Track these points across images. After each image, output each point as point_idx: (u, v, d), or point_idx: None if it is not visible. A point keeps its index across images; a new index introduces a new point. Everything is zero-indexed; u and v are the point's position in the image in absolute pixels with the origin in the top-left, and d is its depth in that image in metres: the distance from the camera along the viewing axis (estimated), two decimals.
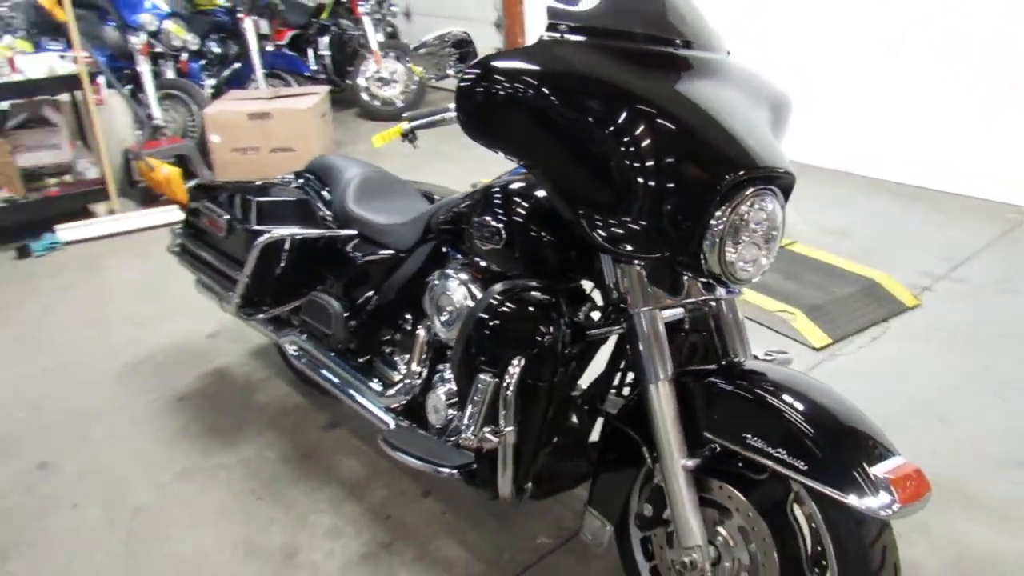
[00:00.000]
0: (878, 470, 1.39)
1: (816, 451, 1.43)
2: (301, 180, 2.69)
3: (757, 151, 1.53)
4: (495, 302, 1.69)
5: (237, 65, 6.13)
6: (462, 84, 1.55)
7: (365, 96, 6.66)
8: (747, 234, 1.55)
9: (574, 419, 1.91)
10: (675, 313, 1.86)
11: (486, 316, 1.68)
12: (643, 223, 1.51)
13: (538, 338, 1.63)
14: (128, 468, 2.55)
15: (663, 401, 1.60)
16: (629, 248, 1.54)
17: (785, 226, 1.67)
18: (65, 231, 4.35)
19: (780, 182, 1.59)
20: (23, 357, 3.26)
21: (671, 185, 1.49)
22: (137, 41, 5.28)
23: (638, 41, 1.64)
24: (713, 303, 1.78)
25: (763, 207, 1.55)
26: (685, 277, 1.68)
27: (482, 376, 1.64)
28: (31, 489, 2.46)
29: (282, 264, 2.38)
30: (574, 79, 1.53)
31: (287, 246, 2.36)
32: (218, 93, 5.89)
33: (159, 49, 5.47)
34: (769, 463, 1.47)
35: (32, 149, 4.53)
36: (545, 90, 1.51)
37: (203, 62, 6.13)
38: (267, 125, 5.19)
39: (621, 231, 1.52)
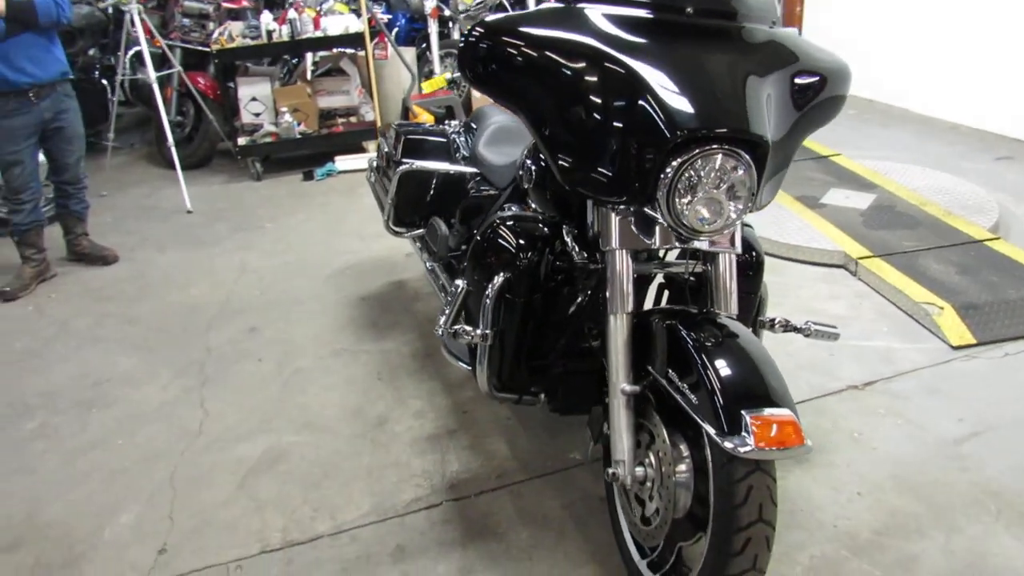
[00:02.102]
0: (749, 414, 1.50)
1: (710, 391, 1.56)
2: (462, 126, 3.16)
3: (718, 113, 1.64)
4: (494, 224, 2.00)
5: None
6: (465, 40, 1.86)
7: None
8: (703, 190, 1.67)
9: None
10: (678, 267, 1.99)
11: (484, 234, 2.00)
12: (607, 170, 1.71)
13: (516, 260, 1.91)
14: (304, 341, 3.27)
15: (617, 332, 1.80)
16: (595, 192, 1.76)
17: (761, 190, 1.75)
18: (341, 162, 5.33)
19: (751, 147, 1.67)
20: (276, 252, 4.19)
21: (631, 137, 1.67)
22: (429, 5, 6.13)
23: (642, 8, 1.82)
24: (708, 258, 1.89)
25: (722, 166, 1.66)
26: (658, 226, 1.83)
27: (458, 282, 1.98)
28: (237, 343, 3.29)
29: (415, 190, 2.87)
30: (556, 39, 1.76)
31: (420, 176, 2.84)
32: None
33: (448, 13, 6.29)
34: (675, 394, 1.64)
35: (330, 93, 5.57)
36: (530, 47, 1.76)
37: None
38: None
39: (589, 176, 1.75)
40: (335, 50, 5.68)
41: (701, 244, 1.84)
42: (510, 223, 1.98)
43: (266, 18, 5.07)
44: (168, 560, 2.18)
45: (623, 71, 1.69)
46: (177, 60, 5.47)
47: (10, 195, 3.88)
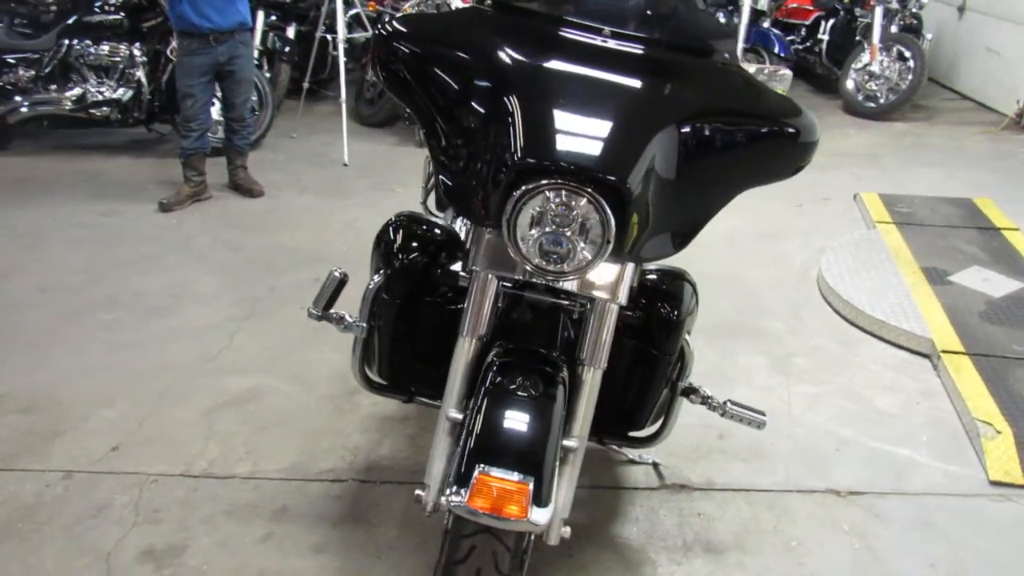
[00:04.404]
0: (480, 471, 1.41)
1: (468, 436, 1.49)
2: None
3: (562, 148, 1.52)
4: (390, 222, 1.99)
5: None
6: (375, 36, 1.85)
7: (850, 86, 6.29)
8: (547, 226, 1.55)
9: None
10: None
11: (381, 231, 2.00)
12: (468, 186, 1.67)
13: (394, 259, 1.90)
14: (350, 300, 3.41)
15: (460, 355, 1.73)
16: (457, 205, 1.72)
17: (632, 239, 1.58)
18: None
19: (609, 190, 1.52)
20: (388, 215, 4.42)
21: (491, 157, 1.61)
22: None
23: (555, 24, 1.71)
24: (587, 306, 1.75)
25: (571, 205, 1.53)
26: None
27: (333, 271, 2.00)
28: (297, 289, 3.56)
29: None
30: (452, 44, 1.71)
31: None
32: None
33: None
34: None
35: None
36: (426, 50, 1.73)
37: None
38: None
39: (455, 189, 1.70)
40: None
41: (568, 285, 1.71)
42: (405, 222, 1.97)
43: None
44: (113, 457, 2.47)
45: (500, 89, 1.63)
46: None
47: (183, 123, 4.48)
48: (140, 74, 5.16)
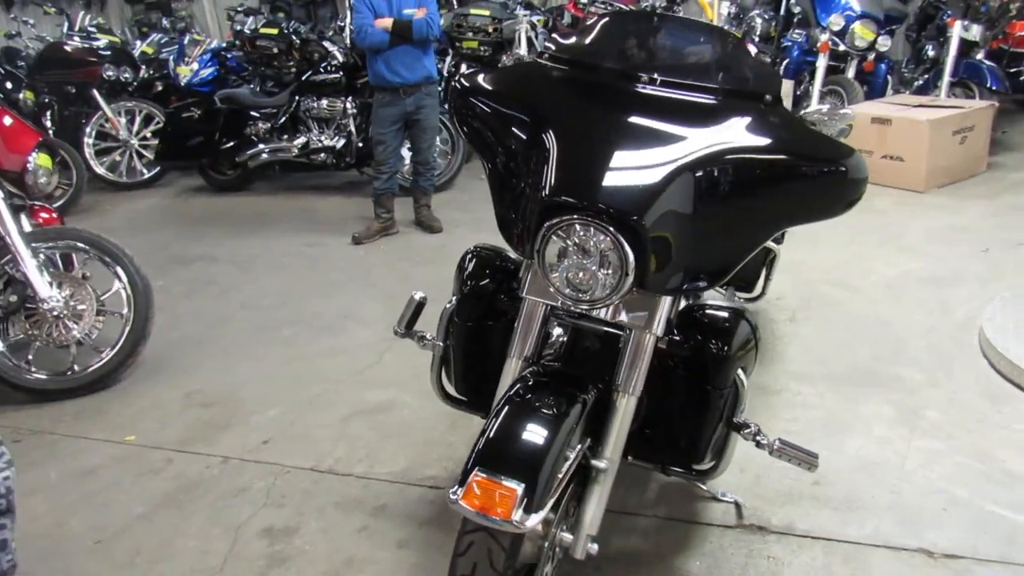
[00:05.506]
0: (479, 474, 1.57)
1: (487, 444, 1.65)
2: None
3: (586, 187, 1.68)
4: (468, 252, 2.19)
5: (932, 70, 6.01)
6: (452, 88, 2.09)
7: None
8: (571, 257, 1.71)
9: None
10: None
11: (460, 259, 2.21)
12: (511, 221, 1.87)
13: (464, 286, 2.11)
14: None
15: (507, 374, 1.93)
16: (505, 236, 1.91)
17: (654, 272, 1.69)
18: None
19: (622, 224, 1.64)
20: None
21: (524, 196, 1.81)
22: (821, 38, 5.84)
23: (599, 74, 1.87)
24: (625, 332, 1.87)
25: (586, 236, 1.68)
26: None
27: (413, 294, 2.23)
28: None
29: None
30: (503, 93, 1.93)
31: None
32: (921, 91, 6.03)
33: (842, 48, 5.89)
34: None
35: None
36: (485, 96, 1.95)
37: (912, 64, 6.24)
38: (886, 131, 5.19)
39: (504, 223, 1.91)
40: None
41: (603, 314, 1.83)
42: (480, 252, 2.17)
43: None
44: (262, 449, 2.90)
45: (541, 133, 1.82)
46: None
47: (375, 165, 5.06)
48: (351, 124, 5.89)
